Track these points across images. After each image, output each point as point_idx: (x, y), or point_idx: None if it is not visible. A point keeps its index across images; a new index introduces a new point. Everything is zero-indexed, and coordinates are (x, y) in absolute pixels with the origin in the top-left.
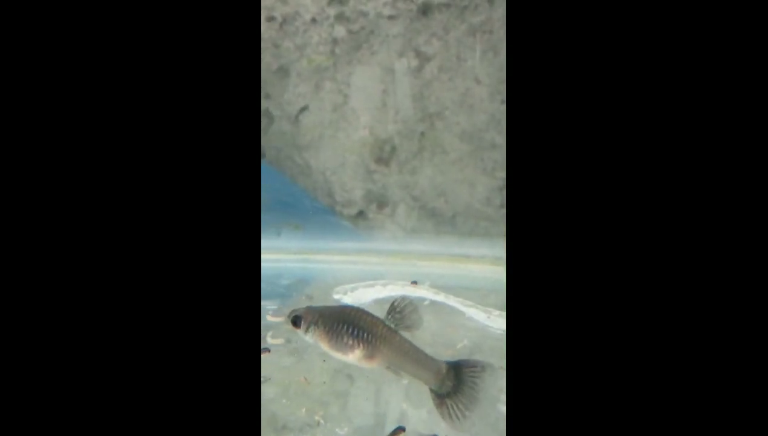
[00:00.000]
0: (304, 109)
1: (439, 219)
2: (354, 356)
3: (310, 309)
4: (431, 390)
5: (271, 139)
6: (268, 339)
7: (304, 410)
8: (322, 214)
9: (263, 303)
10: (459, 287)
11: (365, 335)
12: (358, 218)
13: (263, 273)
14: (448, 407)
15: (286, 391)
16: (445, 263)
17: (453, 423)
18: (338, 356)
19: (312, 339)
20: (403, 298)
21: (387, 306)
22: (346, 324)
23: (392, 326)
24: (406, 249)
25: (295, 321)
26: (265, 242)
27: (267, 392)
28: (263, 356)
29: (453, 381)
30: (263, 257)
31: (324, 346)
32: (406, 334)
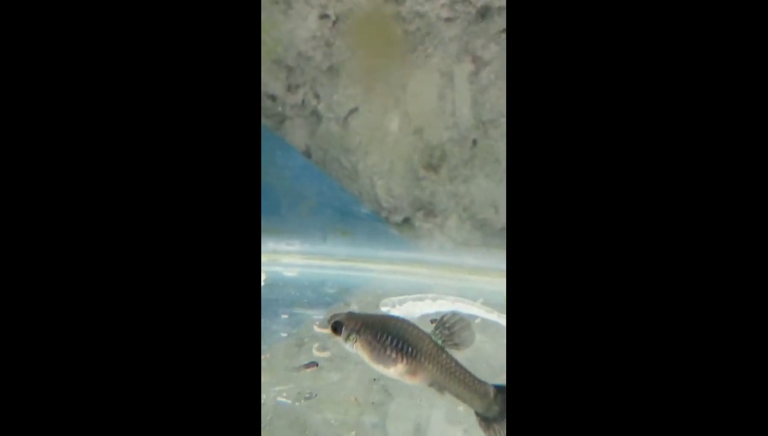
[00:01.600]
0: (353, 110)
1: (488, 230)
2: (396, 371)
3: (351, 315)
4: (477, 414)
5: (318, 140)
6: (314, 352)
7: (353, 434)
8: (371, 220)
9: (308, 312)
10: None
11: (410, 349)
12: (403, 225)
13: (307, 279)
14: (495, 432)
15: (335, 410)
16: (498, 278)
17: None
18: (379, 368)
19: (352, 348)
20: (454, 314)
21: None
22: (390, 335)
23: (439, 342)
24: (455, 262)
25: (336, 327)
26: (311, 247)
27: (312, 411)
28: (308, 370)
29: (500, 405)
30: (308, 262)
31: (365, 356)
32: (454, 353)
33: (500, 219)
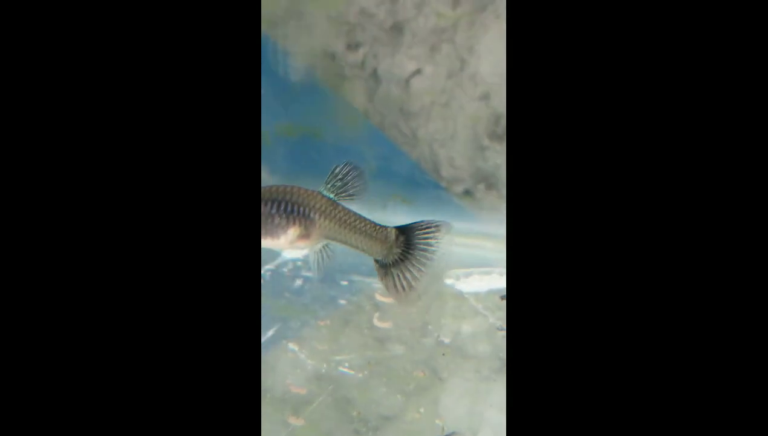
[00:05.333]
0: (416, 72)
1: None
2: (288, 239)
3: None
4: (375, 262)
5: (376, 103)
6: (375, 321)
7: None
8: (434, 189)
9: (367, 280)
10: None
11: (301, 209)
12: (464, 197)
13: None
14: (393, 278)
15: (400, 386)
16: None
17: (397, 295)
18: (268, 243)
19: None
20: (347, 163)
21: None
22: (275, 202)
23: (332, 196)
24: None
25: None
26: (370, 214)
27: (375, 383)
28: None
29: (402, 247)
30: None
31: None
32: (349, 203)
33: None
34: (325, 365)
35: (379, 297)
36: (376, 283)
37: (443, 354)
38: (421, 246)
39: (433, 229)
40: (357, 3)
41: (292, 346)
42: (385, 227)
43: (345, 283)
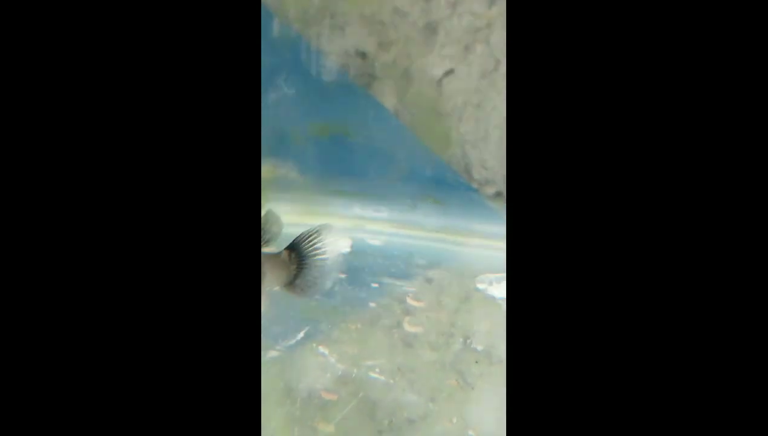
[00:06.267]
0: (449, 72)
1: None
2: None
3: None
4: (283, 288)
5: (408, 103)
6: (406, 326)
7: (454, 419)
8: (465, 190)
9: (398, 283)
10: None
11: None
12: (495, 199)
13: (396, 248)
14: (298, 288)
15: (432, 394)
16: None
17: (306, 294)
18: None
19: None
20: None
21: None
22: None
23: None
24: None
25: None
26: (399, 215)
27: (405, 391)
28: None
29: (296, 263)
30: (395, 230)
31: None
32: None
33: None
34: (355, 370)
35: (410, 301)
36: (408, 286)
37: (476, 362)
38: (312, 253)
39: (315, 234)
40: (390, 2)
41: (321, 349)
42: (277, 252)
43: (375, 285)
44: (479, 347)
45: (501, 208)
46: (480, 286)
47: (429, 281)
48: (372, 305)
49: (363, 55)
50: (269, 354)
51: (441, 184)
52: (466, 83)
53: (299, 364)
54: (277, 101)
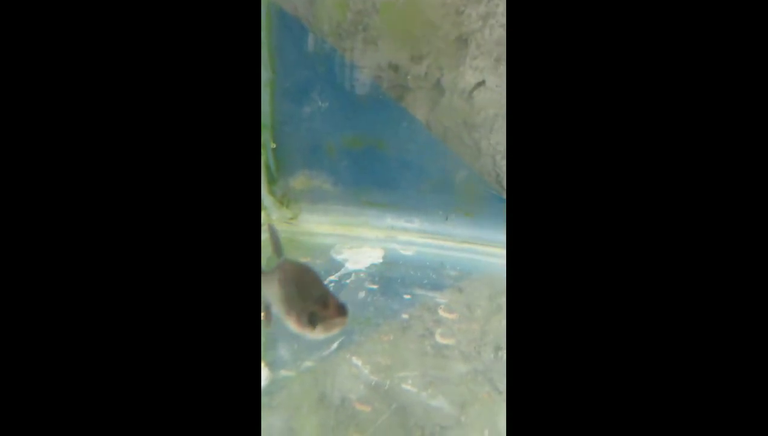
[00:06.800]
0: (480, 84)
1: None
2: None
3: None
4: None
5: (440, 115)
6: (437, 338)
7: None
8: (497, 202)
9: (430, 294)
10: None
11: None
12: None
13: (427, 259)
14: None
15: (463, 405)
16: None
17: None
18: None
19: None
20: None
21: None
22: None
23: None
24: None
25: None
26: (431, 226)
27: (440, 405)
28: None
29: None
30: (426, 241)
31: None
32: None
33: None
34: (388, 382)
35: (441, 313)
36: (439, 297)
37: None
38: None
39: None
40: (422, 15)
41: (355, 360)
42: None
43: (408, 296)
44: None
45: None
46: None
47: (460, 290)
48: (405, 316)
49: (395, 68)
50: (304, 364)
51: (472, 196)
52: (496, 95)
53: (333, 374)
54: (311, 114)
